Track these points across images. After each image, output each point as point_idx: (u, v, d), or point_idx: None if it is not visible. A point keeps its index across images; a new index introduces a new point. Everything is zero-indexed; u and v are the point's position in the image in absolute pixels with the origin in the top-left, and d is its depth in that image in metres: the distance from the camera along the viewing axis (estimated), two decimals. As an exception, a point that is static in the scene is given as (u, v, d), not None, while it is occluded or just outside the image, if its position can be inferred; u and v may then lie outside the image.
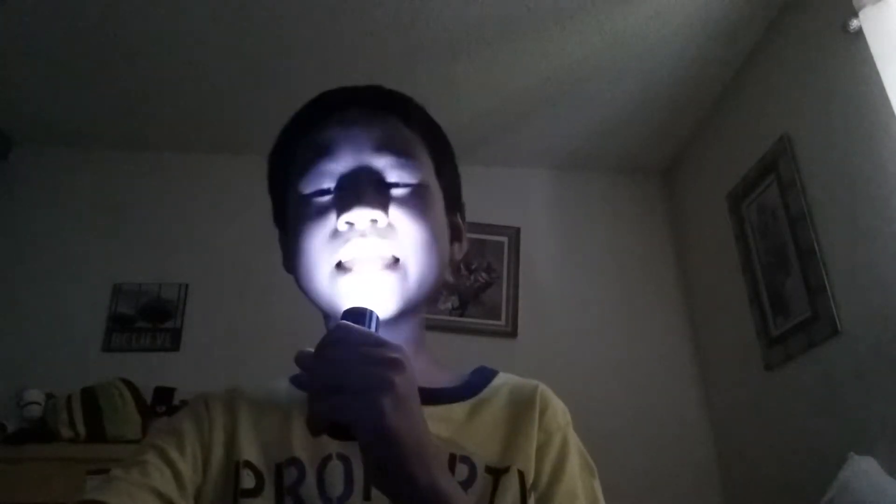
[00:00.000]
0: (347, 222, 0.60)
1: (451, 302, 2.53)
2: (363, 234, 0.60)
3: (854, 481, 1.47)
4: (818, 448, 1.78)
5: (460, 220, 0.76)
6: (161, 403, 2.11)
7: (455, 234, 0.74)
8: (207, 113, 2.50)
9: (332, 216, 0.62)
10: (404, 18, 2.03)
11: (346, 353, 0.47)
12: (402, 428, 0.45)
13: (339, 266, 0.61)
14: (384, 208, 0.61)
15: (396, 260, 0.61)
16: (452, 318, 2.49)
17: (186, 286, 2.49)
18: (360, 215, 0.60)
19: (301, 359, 0.50)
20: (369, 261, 0.60)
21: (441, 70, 2.23)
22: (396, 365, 0.47)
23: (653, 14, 2.00)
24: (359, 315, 0.54)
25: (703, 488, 2.28)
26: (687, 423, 2.39)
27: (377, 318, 0.54)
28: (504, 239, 2.64)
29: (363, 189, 0.62)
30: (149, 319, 2.43)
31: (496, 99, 2.39)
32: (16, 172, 2.59)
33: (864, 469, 1.49)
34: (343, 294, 0.59)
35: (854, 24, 1.61)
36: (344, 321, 0.51)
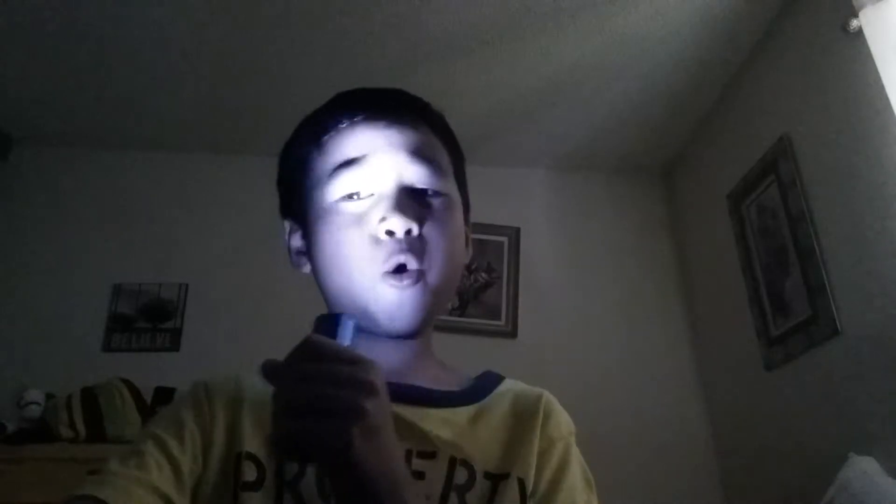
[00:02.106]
0: (388, 231, 0.62)
1: (451, 302, 2.52)
2: (400, 243, 0.62)
3: (854, 481, 1.47)
4: (818, 448, 1.78)
5: (467, 228, 0.77)
6: (161, 403, 2.11)
7: (465, 240, 0.75)
8: (207, 113, 2.50)
9: (369, 223, 0.63)
10: (404, 18, 2.02)
11: (315, 372, 0.44)
12: (370, 461, 0.43)
13: (384, 275, 0.62)
14: (419, 219, 0.63)
15: (422, 273, 0.63)
16: (452, 318, 2.49)
17: (186, 286, 2.49)
18: (399, 225, 0.62)
19: (268, 370, 0.47)
20: (406, 273, 0.62)
21: (441, 70, 2.23)
22: (369, 389, 0.45)
23: (653, 14, 2.00)
24: (333, 322, 0.51)
25: (703, 488, 2.28)
26: (687, 423, 2.38)
27: (354, 324, 0.52)
28: (504, 239, 2.64)
29: (401, 199, 0.64)
30: (149, 319, 2.43)
31: (496, 99, 2.39)
32: (16, 172, 2.59)
33: (864, 469, 1.49)
34: (387, 303, 0.62)
35: (854, 24, 1.61)
36: (316, 335, 0.48)
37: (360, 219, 0.64)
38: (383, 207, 0.63)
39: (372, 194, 0.65)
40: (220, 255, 2.53)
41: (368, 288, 0.63)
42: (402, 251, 0.62)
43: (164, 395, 2.13)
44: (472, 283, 2.56)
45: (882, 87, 1.54)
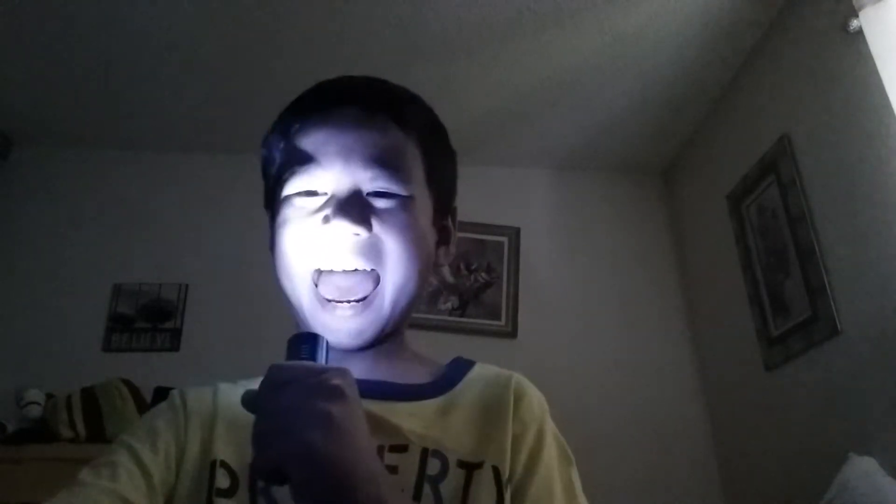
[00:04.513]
0: (332, 234, 0.62)
1: (451, 302, 2.52)
2: (345, 247, 0.62)
3: (854, 481, 1.47)
4: (818, 448, 1.78)
5: (451, 224, 0.75)
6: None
7: (443, 238, 0.73)
8: (207, 113, 2.50)
9: (316, 222, 0.63)
10: (404, 18, 2.02)
11: (279, 394, 0.46)
12: (340, 461, 0.43)
13: (319, 272, 0.63)
14: (367, 223, 0.62)
15: (373, 274, 0.63)
16: (452, 318, 2.49)
17: (186, 286, 2.49)
18: (343, 228, 0.61)
19: (247, 403, 0.49)
20: (344, 299, 0.62)
21: (441, 70, 2.23)
22: (333, 393, 0.46)
23: (653, 14, 2.00)
24: (303, 342, 0.52)
25: (703, 488, 2.28)
26: (687, 423, 2.38)
27: (325, 341, 0.53)
28: (504, 239, 2.64)
29: (350, 200, 0.62)
30: (149, 319, 2.43)
31: (496, 99, 2.39)
32: (16, 172, 2.59)
33: (864, 469, 1.49)
34: (325, 325, 0.63)
35: (854, 24, 1.61)
36: (277, 363, 0.49)
37: (307, 217, 0.64)
38: (330, 207, 0.63)
39: (326, 193, 0.64)
40: (220, 255, 2.53)
41: (307, 293, 0.64)
42: (350, 254, 0.62)
43: (164, 395, 2.11)
44: (472, 283, 2.56)
45: (882, 87, 1.54)
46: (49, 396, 2.09)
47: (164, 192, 2.65)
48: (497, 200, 2.62)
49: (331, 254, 0.62)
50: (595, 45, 2.12)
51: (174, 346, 2.40)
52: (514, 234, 2.66)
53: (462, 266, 2.56)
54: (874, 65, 1.56)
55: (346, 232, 0.61)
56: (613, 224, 2.73)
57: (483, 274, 2.59)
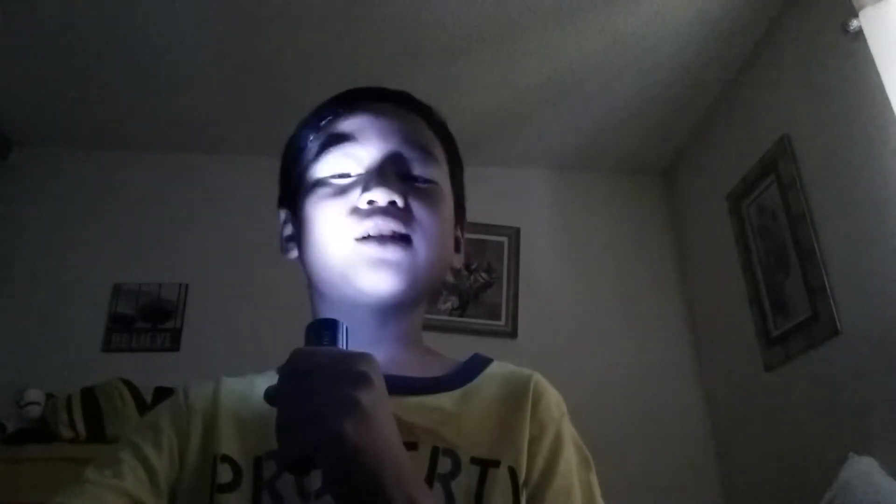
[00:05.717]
0: (369, 201, 0.63)
1: (451, 302, 2.52)
2: (383, 213, 0.63)
3: (854, 481, 1.47)
4: (818, 448, 1.78)
5: (460, 234, 0.77)
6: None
7: (455, 245, 0.75)
8: (207, 113, 2.50)
9: (354, 195, 0.65)
10: (404, 18, 2.02)
11: (305, 380, 0.45)
12: (370, 449, 0.43)
13: (359, 240, 0.64)
14: (403, 194, 0.64)
15: (409, 239, 0.64)
16: (452, 318, 2.49)
17: (186, 286, 2.48)
18: (382, 195, 0.63)
19: (269, 396, 0.48)
20: (387, 234, 0.63)
21: (441, 70, 2.23)
22: (360, 379, 0.45)
23: (653, 14, 2.00)
24: (325, 328, 0.52)
25: (703, 488, 2.28)
26: (687, 423, 2.38)
27: (345, 327, 0.52)
28: (504, 239, 2.64)
29: (387, 172, 0.65)
30: (149, 319, 2.43)
31: (496, 99, 2.39)
32: (16, 172, 2.59)
33: (864, 469, 1.49)
34: (364, 259, 0.62)
35: (854, 24, 1.61)
36: (298, 348, 0.49)
37: (344, 191, 0.66)
38: (370, 178, 0.65)
39: (360, 173, 0.66)
40: (220, 255, 2.53)
41: (344, 253, 0.64)
42: (384, 219, 0.63)
43: (164, 395, 2.12)
44: (472, 283, 2.56)
45: (882, 87, 1.54)
46: (49, 396, 2.09)
47: (165, 191, 2.65)
48: (497, 200, 2.62)
49: (371, 221, 0.63)
50: (595, 45, 2.12)
51: (174, 346, 2.40)
52: (514, 234, 2.66)
53: (462, 266, 2.56)
54: (874, 65, 1.56)
55: (385, 198, 0.63)
56: (614, 224, 2.73)
57: (483, 274, 2.59)
